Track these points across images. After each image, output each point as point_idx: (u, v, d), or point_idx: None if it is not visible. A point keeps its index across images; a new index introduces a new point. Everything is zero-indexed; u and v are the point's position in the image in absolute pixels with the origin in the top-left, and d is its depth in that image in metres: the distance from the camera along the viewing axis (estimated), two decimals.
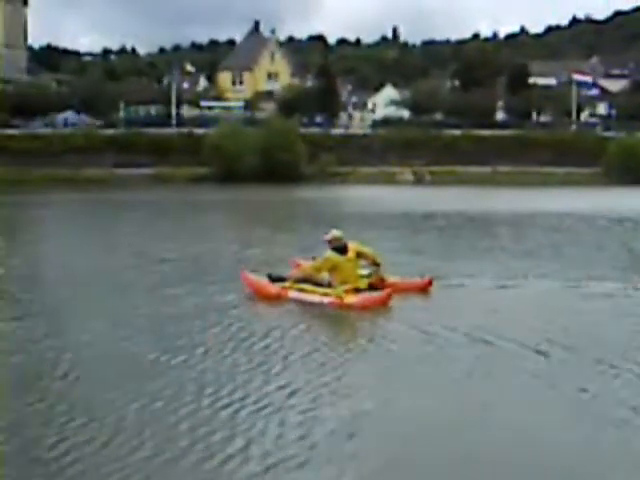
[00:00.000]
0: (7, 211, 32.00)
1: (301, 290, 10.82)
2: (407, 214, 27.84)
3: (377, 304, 10.32)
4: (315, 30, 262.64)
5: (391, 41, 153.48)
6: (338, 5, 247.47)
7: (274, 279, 11.22)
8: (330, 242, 10.99)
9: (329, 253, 10.85)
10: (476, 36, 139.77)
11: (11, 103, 63.81)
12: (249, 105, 74.76)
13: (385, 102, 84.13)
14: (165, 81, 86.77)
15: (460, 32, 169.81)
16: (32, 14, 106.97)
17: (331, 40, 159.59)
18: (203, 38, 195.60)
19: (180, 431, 5.85)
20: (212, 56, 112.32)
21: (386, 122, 69.62)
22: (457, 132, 63.55)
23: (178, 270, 13.59)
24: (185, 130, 62.48)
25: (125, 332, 8.91)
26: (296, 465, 5.29)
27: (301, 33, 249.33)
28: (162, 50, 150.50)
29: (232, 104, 74.56)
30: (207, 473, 5.19)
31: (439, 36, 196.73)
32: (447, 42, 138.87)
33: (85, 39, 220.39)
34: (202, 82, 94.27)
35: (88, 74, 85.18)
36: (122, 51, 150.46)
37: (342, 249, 10.80)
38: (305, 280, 10.94)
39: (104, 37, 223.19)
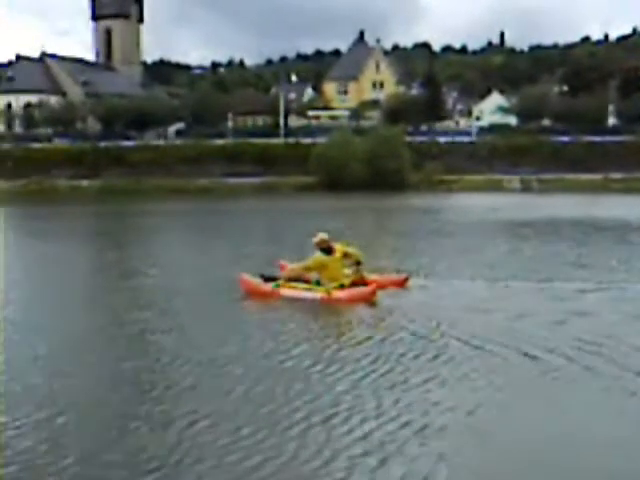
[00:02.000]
0: (129, 220, 33.48)
1: (293, 288, 11.86)
2: (528, 222, 27.06)
3: (363, 299, 11.38)
4: (420, 37, 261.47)
5: (497, 47, 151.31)
6: (443, 12, 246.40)
7: (267, 279, 12.23)
8: (317, 244, 11.98)
9: (317, 254, 11.88)
10: (586, 39, 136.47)
11: (127, 116, 66.91)
12: (355, 114, 75.41)
13: (491, 109, 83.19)
14: (272, 92, 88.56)
15: (569, 36, 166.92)
16: (146, 31, 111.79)
17: (436, 47, 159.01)
18: (309, 49, 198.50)
19: (337, 448, 5.88)
20: (318, 66, 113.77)
21: (492, 129, 68.77)
22: (566, 138, 62.03)
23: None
24: (292, 140, 63.62)
25: (271, 346, 9.04)
26: None
27: (406, 41, 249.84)
28: (269, 62, 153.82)
29: (338, 113, 75.38)
30: None
31: (547, 40, 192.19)
32: (555, 46, 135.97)
33: (195, 53, 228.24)
34: (308, 92, 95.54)
35: (198, 87, 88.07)
36: (230, 64, 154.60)
37: (328, 250, 11.84)
38: (296, 279, 12.01)
39: (213, 51, 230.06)
